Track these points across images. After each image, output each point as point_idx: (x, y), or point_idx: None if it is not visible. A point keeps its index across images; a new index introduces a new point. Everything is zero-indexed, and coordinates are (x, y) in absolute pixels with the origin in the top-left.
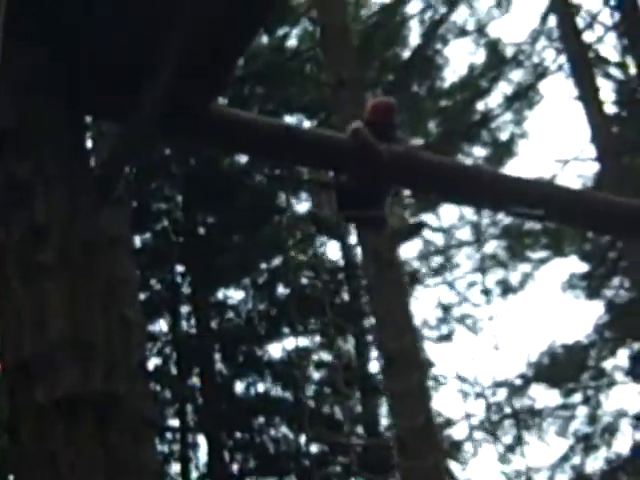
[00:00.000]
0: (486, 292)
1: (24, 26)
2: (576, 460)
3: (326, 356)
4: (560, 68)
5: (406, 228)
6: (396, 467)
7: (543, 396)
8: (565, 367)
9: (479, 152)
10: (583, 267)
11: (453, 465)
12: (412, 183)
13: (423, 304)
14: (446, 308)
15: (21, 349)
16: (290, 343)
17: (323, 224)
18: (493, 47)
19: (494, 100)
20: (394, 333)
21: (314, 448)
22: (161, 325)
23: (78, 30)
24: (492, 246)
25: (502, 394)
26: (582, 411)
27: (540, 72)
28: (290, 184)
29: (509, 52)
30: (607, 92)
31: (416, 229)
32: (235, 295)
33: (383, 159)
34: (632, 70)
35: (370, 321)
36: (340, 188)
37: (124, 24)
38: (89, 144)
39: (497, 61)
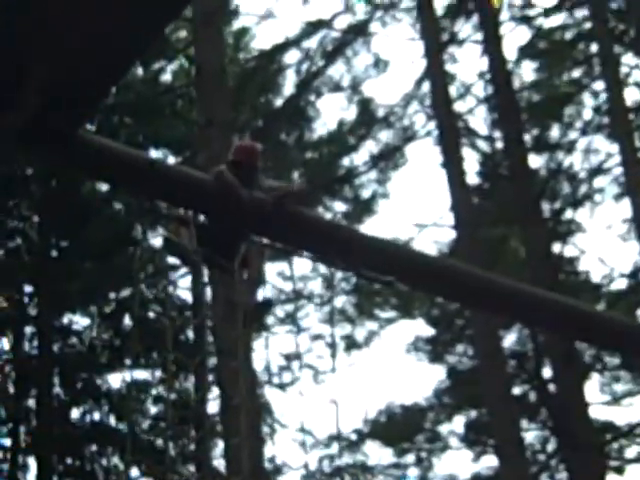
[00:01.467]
0: (331, 345)
1: None
2: None
3: (164, 392)
4: (429, 134)
5: (254, 308)
6: None
7: (376, 453)
8: (401, 427)
9: (340, 207)
10: (429, 331)
11: None
12: (268, 232)
13: (269, 350)
14: (289, 357)
15: None
16: (130, 375)
17: (180, 253)
18: (365, 105)
19: (360, 157)
20: (234, 376)
21: None
22: (3, 343)
23: None
24: (341, 300)
25: (337, 447)
26: (414, 472)
27: (409, 135)
28: (148, 216)
29: (381, 112)
30: (472, 163)
31: (264, 309)
32: (80, 321)
33: (243, 204)
34: (498, 144)
35: (212, 361)
36: (199, 227)
37: None
38: None
39: (367, 119)
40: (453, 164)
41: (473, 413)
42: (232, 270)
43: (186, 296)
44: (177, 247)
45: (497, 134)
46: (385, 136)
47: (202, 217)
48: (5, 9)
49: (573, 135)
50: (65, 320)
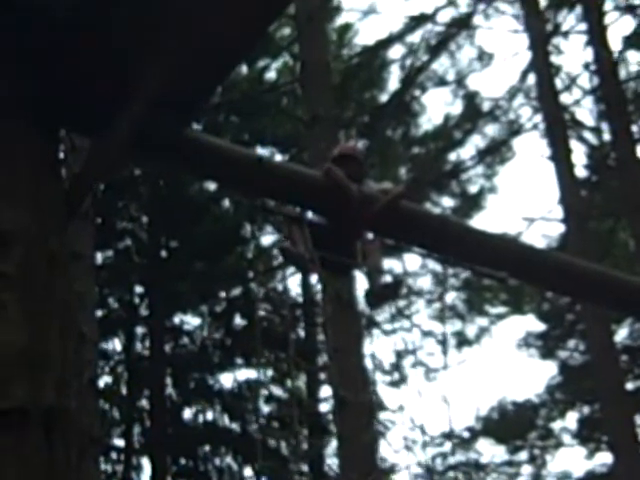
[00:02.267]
0: (443, 342)
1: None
2: None
3: (276, 390)
4: (535, 127)
5: (385, 288)
6: None
7: (489, 451)
8: (514, 424)
9: (447, 202)
10: (540, 326)
11: None
12: (378, 228)
13: (379, 348)
14: (400, 354)
15: None
16: (242, 374)
17: (293, 258)
18: (470, 99)
19: (467, 152)
20: (347, 375)
21: None
22: (115, 344)
23: (57, 50)
24: (452, 297)
25: (449, 445)
26: (527, 469)
27: (515, 129)
28: (258, 215)
29: (486, 106)
30: (579, 155)
31: (396, 288)
32: (192, 321)
33: (353, 200)
34: (606, 136)
35: (323, 359)
36: (310, 226)
37: (105, 50)
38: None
39: (473, 113)
40: (561, 157)
41: (586, 409)
42: (352, 267)
43: (296, 294)
44: (293, 256)
45: (604, 126)
46: (491, 130)
47: (312, 215)
48: (120, 11)
49: None
50: (176, 320)
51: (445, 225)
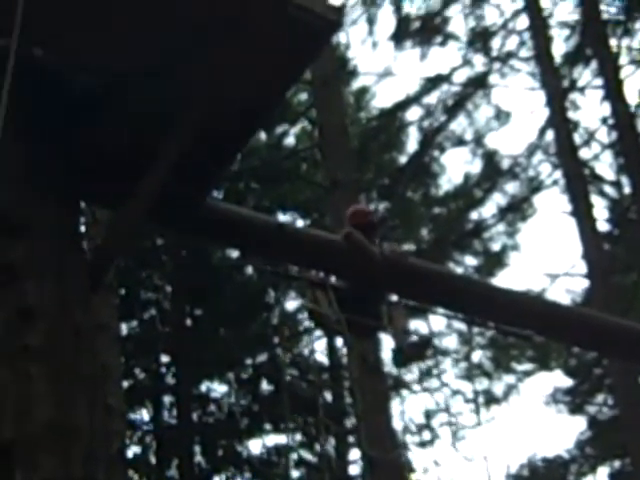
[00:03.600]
0: (473, 401)
1: (21, 122)
2: None
3: (306, 455)
4: (555, 183)
5: (413, 348)
6: None
7: None
8: None
9: (470, 261)
10: (567, 382)
11: None
12: (402, 289)
13: (408, 408)
14: (429, 414)
15: (3, 432)
16: (270, 440)
17: (320, 319)
18: (489, 158)
19: (488, 210)
20: (375, 437)
21: None
22: (143, 414)
23: (78, 127)
24: (478, 355)
25: None
26: None
27: (535, 186)
28: (281, 281)
29: (505, 164)
30: (600, 210)
31: (423, 346)
32: (218, 388)
33: (377, 262)
34: (626, 189)
35: (351, 422)
36: (334, 290)
37: (125, 121)
38: (82, 229)
39: (493, 172)
40: (582, 212)
41: (617, 463)
42: (378, 329)
43: (322, 358)
44: (320, 317)
45: (624, 179)
46: (511, 187)
47: (335, 280)
48: (139, 84)
49: None
50: (203, 388)
51: (468, 285)
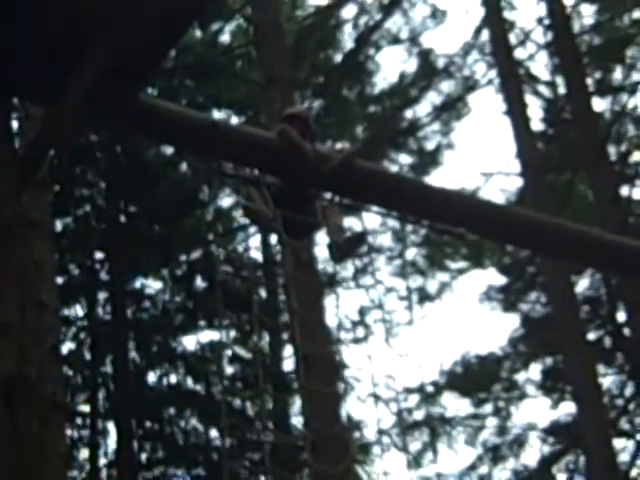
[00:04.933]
0: (407, 297)
1: None
2: (483, 470)
3: (240, 351)
4: (490, 82)
5: (348, 243)
6: (308, 467)
7: (454, 405)
8: (477, 377)
9: (405, 159)
10: (501, 280)
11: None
12: (335, 187)
13: (342, 306)
14: (363, 311)
15: None
16: (205, 336)
17: (256, 217)
18: (425, 56)
19: (423, 109)
20: (309, 334)
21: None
22: (77, 310)
23: (8, 21)
24: (412, 253)
25: (414, 400)
26: (492, 422)
27: (470, 85)
28: (215, 178)
29: (440, 63)
30: (535, 109)
31: (358, 241)
32: (153, 285)
33: (309, 159)
34: (561, 89)
35: (285, 318)
36: (268, 188)
37: (55, 16)
38: (14, 126)
39: (428, 71)
40: (516, 111)
41: (549, 360)
42: (313, 226)
43: (256, 255)
44: (255, 215)
45: (559, 79)
46: (447, 86)
47: (270, 177)
48: None
49: (636, 76)
50: (137, 284)
51: (402, 183)
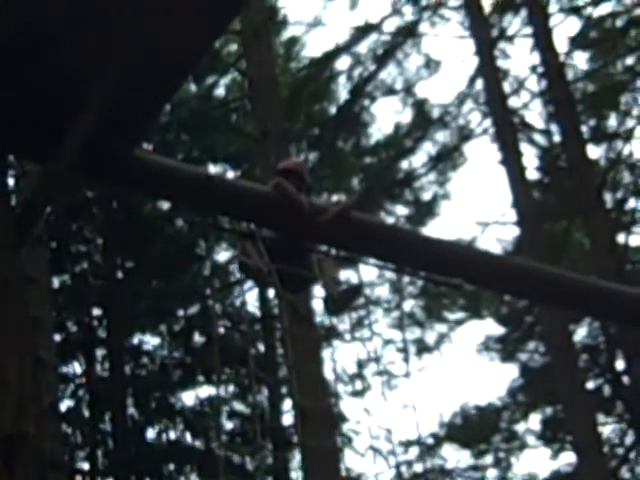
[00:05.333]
0: (404, 350)
1: None
2: None
3: (239, 406)
4: (485, 132)
5: (344, 295)
6: None
7: (454, 456)
8: (477, 428)
9: (401, 210)
10: (499, 330)
11: None
12: (331, 239)
13: (340, 358)
14: (361, 363)
15: None
16: (203, 392)
17: (252, 273)
18: (420, 107)
19: (418, 160)
20: (307, 387)
21: None
22: (75, 367)
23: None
24: (410, 304)
25: (413, 452)
26: (492, 473)
27: (465, 134)
28: (211, 232)
29: (435, 113)
30: (530, 158)
31: (353, 294)
32: (151, 341)
33: (305, 212)
34: (556, 137)
35: (283, 372)
36: (264, 241)
37: (51, 74)
38: (10, 183)
39: (423, 121)
40: (512, 160)
41: (549, 410)
42: (309, 280)
43: (254, 309)
44: (251, 269)
45: (554, 127)
46: (442, 136)
47: (266, 231)
48: (67, 26)
49: (631, 123)
50: (135, 341)
51: (398, 235)
